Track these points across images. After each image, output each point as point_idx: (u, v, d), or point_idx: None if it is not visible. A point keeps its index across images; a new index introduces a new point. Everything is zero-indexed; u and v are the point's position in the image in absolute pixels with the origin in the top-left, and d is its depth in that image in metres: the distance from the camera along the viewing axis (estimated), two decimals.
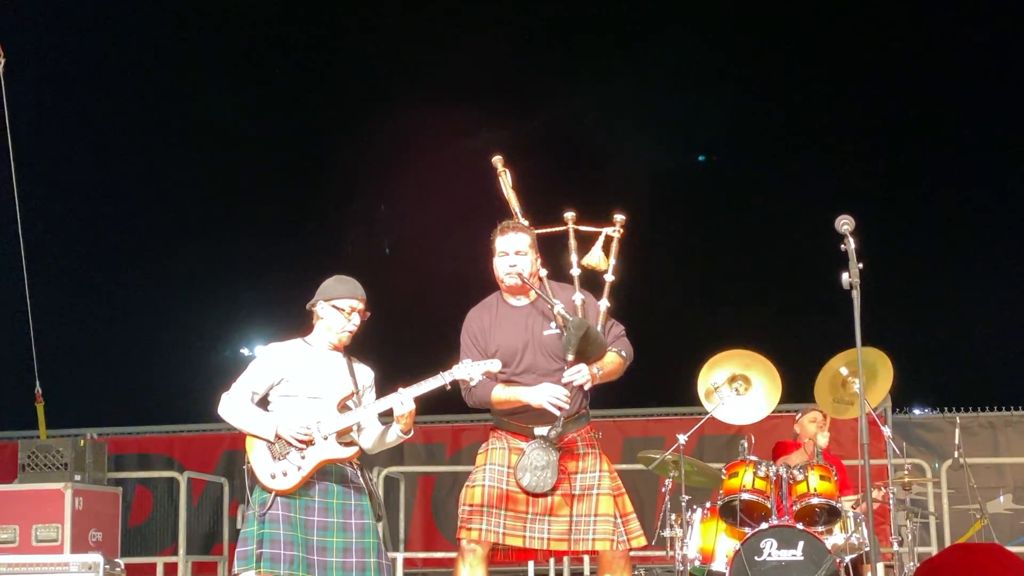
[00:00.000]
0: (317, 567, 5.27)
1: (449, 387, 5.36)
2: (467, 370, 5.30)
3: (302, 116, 15.97)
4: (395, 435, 5.46)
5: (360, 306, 5.52)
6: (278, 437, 5.31)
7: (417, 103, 14.54)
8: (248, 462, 5.36)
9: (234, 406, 5.42)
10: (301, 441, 5.29)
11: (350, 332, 5.52)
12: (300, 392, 5.41)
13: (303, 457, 5.30)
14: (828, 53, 14.95)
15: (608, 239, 5.65)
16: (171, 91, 15.81)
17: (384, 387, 5.60)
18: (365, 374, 5.58)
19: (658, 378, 11.20)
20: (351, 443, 5.41)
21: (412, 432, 5.46)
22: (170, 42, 15.79)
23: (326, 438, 5.32)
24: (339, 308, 5.49)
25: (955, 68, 14.31)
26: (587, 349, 5.29)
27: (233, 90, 15.84)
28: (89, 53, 15.19)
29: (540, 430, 5.35)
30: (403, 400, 5.32)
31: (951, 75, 14.31)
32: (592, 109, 15.29)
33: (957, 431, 8.58)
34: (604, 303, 5.54)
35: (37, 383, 10.32)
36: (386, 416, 5.43)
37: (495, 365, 5.31)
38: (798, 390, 8.18)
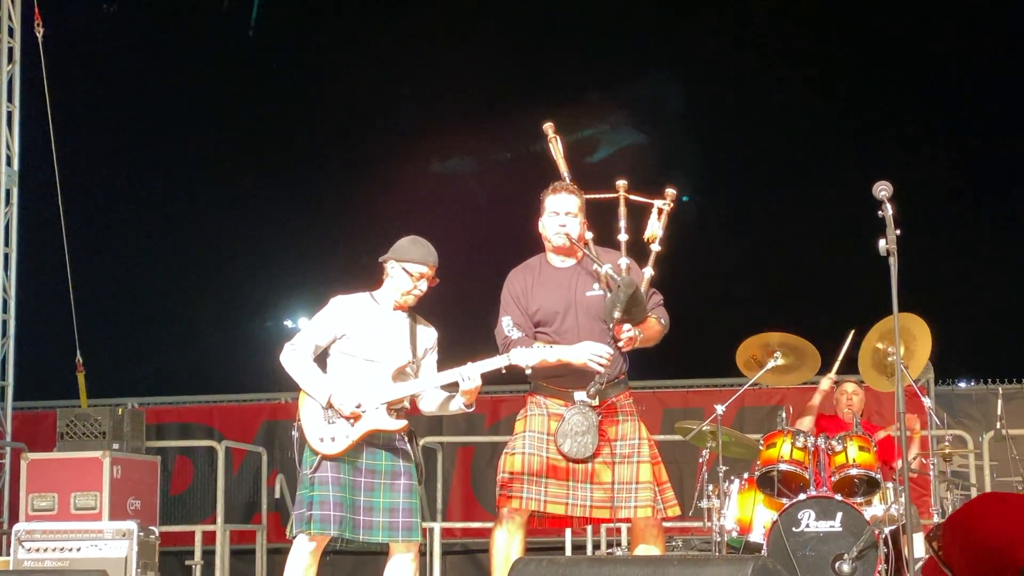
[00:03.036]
0: (362, 527, 5.31)
1: (504, 371, 5.32)
2: (523, 356, 5.23)
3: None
4: (458, 406, 5.45)
5: (430, 272, 5.48)
6: (330, 405, 5.32)
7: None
8: (298, 419, 5.37)
9: (296, 360, 5.41)
10: (349, 415, 5.30)
11: (416, 296, 5.51)
12: (359, 352, 5.40)
13: (352, 425, 5.30)
14: (869, 13, 14.76)
15: (659, 211, 5.63)
16: (210, 63, 15.83)
17: (447, 349, 5.60)
18: (428, 336, 5.57)
19: (698, 350, 11.13)
20: (401, 414, 5.39)
21: (474, 407, 5.45)
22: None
23: (377, 408, 5.32)
24: (409, 272, 5.45)
25: (999, 24, 14.09)
26: (633, 310, 5.27)
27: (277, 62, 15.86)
28: (132, 17, 15.22)
29: (579, 394, 5.33)
30: (469, 375, 5.29)
31: (994, 31, 14.09)
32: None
33: (1000, 402, 8.47)
34: (648, 271, 5.54)
35: (78, 353, 10.40)
36: (448, 386, 5.41)
37: (550, 354, 5.25)
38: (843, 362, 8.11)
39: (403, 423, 5.38)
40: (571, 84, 14.97)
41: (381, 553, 5.56)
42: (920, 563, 7.12)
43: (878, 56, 14.80)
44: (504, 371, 5.31)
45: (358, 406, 5.30)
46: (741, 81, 15.08)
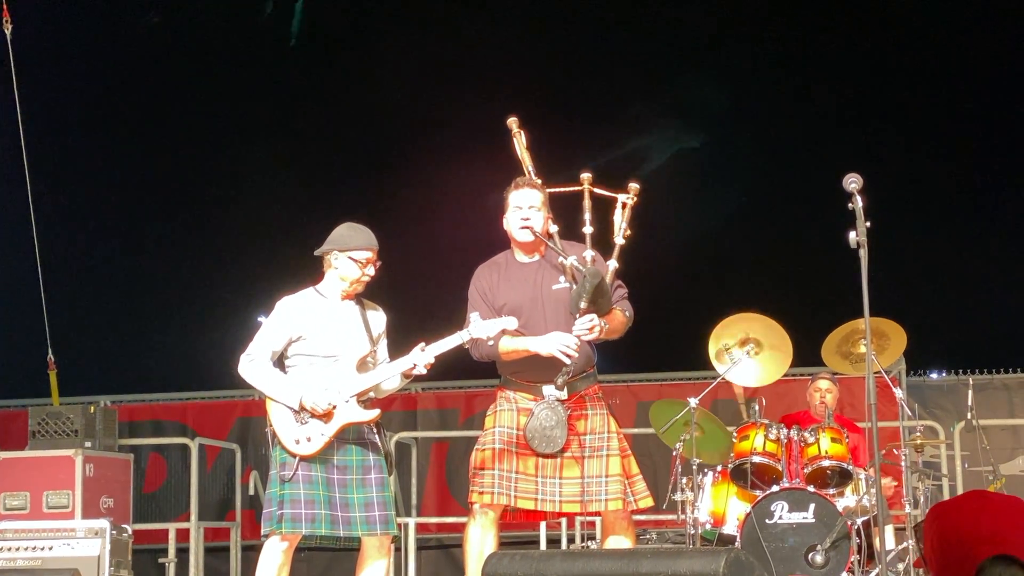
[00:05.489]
0: (341, 523, 5.32)
1: (467, 346, 5.37)
2: (484, 328, 5.29)
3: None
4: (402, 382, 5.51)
5: (374, 256, 5.47)
6: (302, 407, 5.30)
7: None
8: (271, 425, 5.36)
9: (256, 369, 5.39)
10: (323, 413, 5.29)
11: (364, 283, 5.49)
12: (319, 351, 5.39)
13: (326, 423, 5.31)
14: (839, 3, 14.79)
15: (623, 205, 5.66)
16: (189, 64, 15.74)
17: (396, 335, 5.60)
18: (379, 320, 5.56)
19: (671, 343, 11.14)
20: (370, 404, 5.40)
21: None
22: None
23: (347, 401, 5.31)
24: (355, 260, 5.43)
25: (969, 19, 14.14)
26: (598, 301, 5.31)
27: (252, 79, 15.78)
28: (102, 11, 15.12)
29: (548, 388, 5.35)
30: (425, 361, 5.32)
31: (968, 26, 14.14)
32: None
33: (970, 392, 8.53)
34: (613, 263, 5.58)
35: (49, 351, 10.34)
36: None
37: (512, 323, 5.34)
38: (812, 354, 8.12)
39: (375, 412, 5.39)
40: (611, 93, 14.95)
41: (356, 549, 5.56)
42: (891, 554, 7.20)
43: (848, 48, 14.84)
44: (467, 346, 5.33)
45: (330, 403, 5.29)
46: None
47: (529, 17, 14.75)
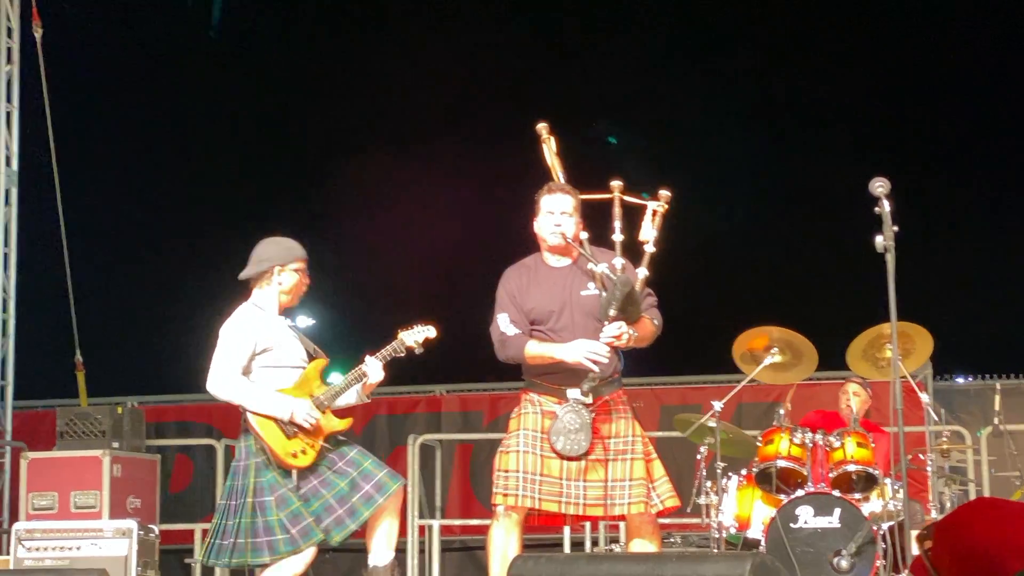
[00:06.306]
0: (347, 516, 5.38)
1: (404, 354, 5.52)
2: (414, 336, 5.50)
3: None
4: (359, 398, 5.61)
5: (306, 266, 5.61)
6: (291, 420, 5.35)
7: None
8: (266, 443, 5.37)
9: (237, 387, 5.41)
10: (311, 425, 5.37)
11: (303, 293, 5.61)
12: (284, 362, 5.47)
13: (311, 433, 5.38)
14: (868, 8, 14.76)
15: (654, 213, 5.64)
16: (215, 63, 15.83)
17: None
18: (308, 329, 5.65)
19: (696, 346, 11.13)
20: (342, 414, 5.52)
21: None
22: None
23: (324, 413, 5.41)
24: (299, 271, 5.54)
25: (996, 24, 14.10)
26: (628, 309, 5.30)
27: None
28: (127, 16, 15.21)
29: (573, 392, 5.35)
30: (374, 371, 5.46)
31: (993, 32, 14.10)
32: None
33: (997, 397, 8.49)
34: (643, 271, 5.55)
35: (77, 352, 10.40)
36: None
37: (431, 331, 5.54)
38: (839, 359, 8.10)
39: (349, 420, 5.52)
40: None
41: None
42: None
43: (878, 52, 14.82)
44: (403, 355, 5.53)
45: (316, 416, 5.38)
46: (741, 80, 15.11)
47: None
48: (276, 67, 16.01)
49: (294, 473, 5.36)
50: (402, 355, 5.54)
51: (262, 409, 5.37)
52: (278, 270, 5.50)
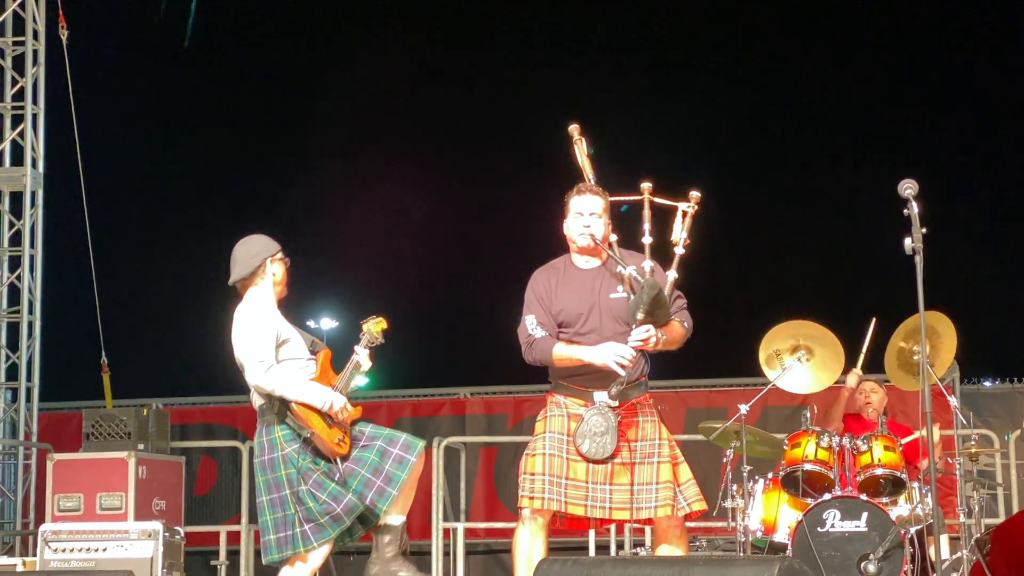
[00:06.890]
0: (385, 483, 5.46)
1: (382, 340, 5.70)
2: (379, 325, 5.68)
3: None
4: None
5: None
6: (330, 410, 5.42)
7: None
8: (313, 431, 5.43)
9: (283, 377, 5.48)
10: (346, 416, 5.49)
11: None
12: (302, 353, 5.58)
13: (341, 422, 5.50)
14: (894, 12, 14.71)
15: (684, 214, 5.61)
16: (238, 65, 15.87)
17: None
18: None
19: (721, 349, 11.10)
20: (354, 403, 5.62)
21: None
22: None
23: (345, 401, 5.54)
24: (284, 262, 5.68)
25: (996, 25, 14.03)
26: (656, 312, 5.28)
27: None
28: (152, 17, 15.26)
29: (599, 394, 5.33)
30: (366, 358, 5.64)
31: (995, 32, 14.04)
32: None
33: None
34: (672, 274, 5.52)
35: (103, 353, 10.44)
36: None
37: (383, 323, 5.72)
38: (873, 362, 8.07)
39: (359, 410, 5.62)
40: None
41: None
42: (946, 563, 7.11)
43: (906, 56, 14.75)
44: (382, 341, 5.71)
45: (350, 404, 5.54)
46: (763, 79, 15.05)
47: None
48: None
49: (327, 460, 5.44)
50: (382, 342, 5.69)
51: (307, 399, 5.44)
52: (269, 261, 5.60)
